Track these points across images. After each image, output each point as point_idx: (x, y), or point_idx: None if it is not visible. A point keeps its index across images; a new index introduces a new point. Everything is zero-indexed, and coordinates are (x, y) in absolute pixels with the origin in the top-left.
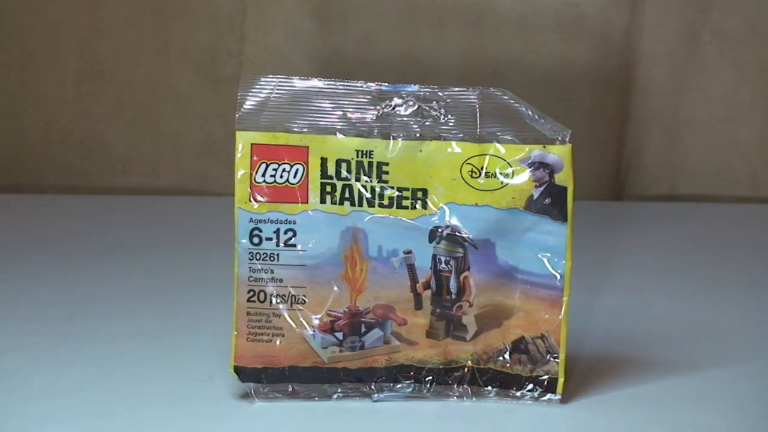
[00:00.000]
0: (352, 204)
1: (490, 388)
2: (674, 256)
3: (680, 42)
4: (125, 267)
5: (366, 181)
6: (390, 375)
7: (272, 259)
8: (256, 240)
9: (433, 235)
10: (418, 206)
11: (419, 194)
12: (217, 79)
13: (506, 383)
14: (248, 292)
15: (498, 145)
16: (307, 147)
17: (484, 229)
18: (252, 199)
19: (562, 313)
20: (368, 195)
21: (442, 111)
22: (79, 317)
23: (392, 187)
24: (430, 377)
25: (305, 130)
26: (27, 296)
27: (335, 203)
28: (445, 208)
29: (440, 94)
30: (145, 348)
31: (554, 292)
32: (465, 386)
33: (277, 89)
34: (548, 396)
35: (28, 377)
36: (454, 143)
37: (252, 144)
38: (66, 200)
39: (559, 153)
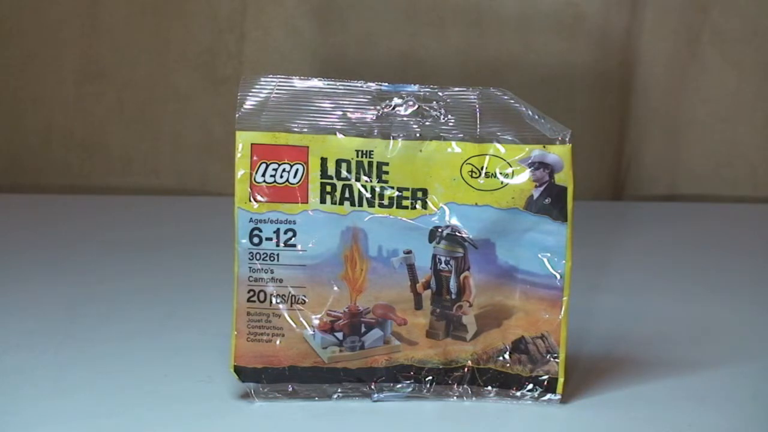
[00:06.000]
0: (352, 204)
1: (490, 388)
2: (674, 256)
3: (680, 42)
4: (125, 267)
5: (366, 181)
6: (390, 375)
7: (272, 259)
8: (256, 240)
9: (433, 235)
10: (418, 206)
11: (419, 194)
12: (217, 79)
13: (506, 383)
14: (248, 292)
15: (498, 145)
16: (307, 147)
17: (484, 229)
18: (252, 199)
19: (562, 313)
20: (368, 195)
21: (442, 111)
22: (79, 317)
23: (392, 187)
24: (430, 377)
25: (305, 130)
26: (27, 296)
27: (335, 203)
28: (445, 208)
29: (440, 94)
30: (144, 348)
31: (554, 292)
32: (465, 386)
33: (277, 89)
34: (548, 396)
35: (28, 377)
36: (454, 143)
37: (252, 144)
38: (66, 200)
39: (559, 153)
